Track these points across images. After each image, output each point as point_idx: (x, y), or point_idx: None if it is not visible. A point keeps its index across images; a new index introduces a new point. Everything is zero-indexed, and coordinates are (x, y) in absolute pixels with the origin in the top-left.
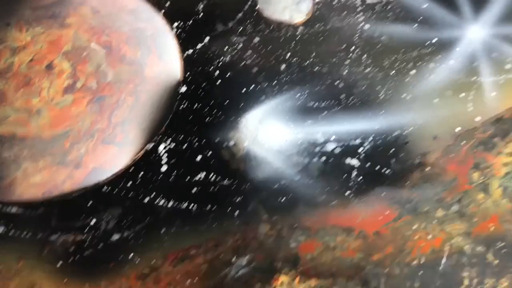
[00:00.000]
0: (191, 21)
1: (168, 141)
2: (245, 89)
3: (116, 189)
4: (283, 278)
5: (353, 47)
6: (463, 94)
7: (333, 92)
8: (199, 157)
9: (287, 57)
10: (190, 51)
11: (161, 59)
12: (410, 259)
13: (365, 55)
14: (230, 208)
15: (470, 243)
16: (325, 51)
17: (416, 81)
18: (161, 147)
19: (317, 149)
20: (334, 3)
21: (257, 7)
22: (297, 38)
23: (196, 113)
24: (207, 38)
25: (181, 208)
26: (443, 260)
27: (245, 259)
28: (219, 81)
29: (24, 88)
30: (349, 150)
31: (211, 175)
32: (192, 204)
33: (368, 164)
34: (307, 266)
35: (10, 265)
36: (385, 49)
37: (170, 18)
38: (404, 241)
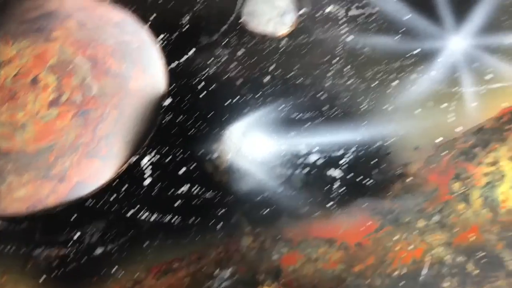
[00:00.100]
0: (176, 34)
1: (153, 153)
2: (229, 101)
3: (100, 203)
4: None
5: (336, 59)
6: (444, 105)
7: (316, 103)
8: (182, 170)
9: (271, 69)
10: (175, 63)
11: (146, 72)
12: (391, 270)
13: (348, 67)
14: (213, 220)
15: (451, 254)
16: (308, 63)
17: (398, 92)
18: (145, 160)
19: (300, 160)
20: (317, 15)
21: (241, 20)
22: (281, 50)
23: (180, 126)
24: (192, 50)
25: (164, 221)
26: (424, 271)
27: (228, 271)
28: (204, 93)
29: (9, 102)
30: (332, 161)
31: (194, 187)
32: (176, 217)
33: (351, 175)
34: (289, 278)
35: None
36: (367, 60)
37: (155, 30)
38: (386, 252)
